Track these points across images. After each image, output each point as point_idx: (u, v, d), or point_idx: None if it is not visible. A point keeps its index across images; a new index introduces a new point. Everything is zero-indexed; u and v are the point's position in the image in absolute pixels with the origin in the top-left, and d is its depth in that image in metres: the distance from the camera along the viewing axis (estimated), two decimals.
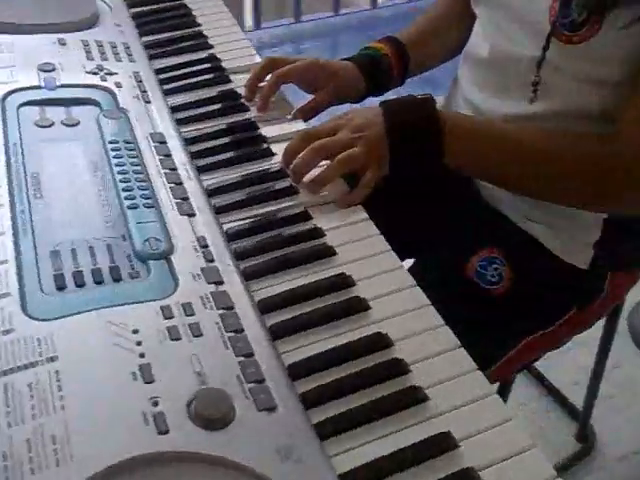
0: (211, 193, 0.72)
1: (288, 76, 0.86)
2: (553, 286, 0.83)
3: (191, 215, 0.68)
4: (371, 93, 0.93)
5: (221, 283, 0.61)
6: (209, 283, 0.60)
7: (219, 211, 0.70)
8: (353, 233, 0.69)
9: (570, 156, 0.74)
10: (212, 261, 0.63)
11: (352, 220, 0.70)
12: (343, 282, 0.63)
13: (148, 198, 0.69)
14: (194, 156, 0.77)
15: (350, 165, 0.73)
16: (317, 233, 0.68)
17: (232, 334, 0.56)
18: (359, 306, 0.61)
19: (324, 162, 0.74)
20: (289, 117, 0.84)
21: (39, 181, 0.70)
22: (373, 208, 0.72)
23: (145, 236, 0.64)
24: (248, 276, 0.63)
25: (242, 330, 0.57)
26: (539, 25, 0.76)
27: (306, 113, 0.86)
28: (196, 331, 0.56)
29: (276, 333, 0.58)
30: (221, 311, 0.58)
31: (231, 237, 0.67)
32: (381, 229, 0.69)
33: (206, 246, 0.64)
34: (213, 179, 0.74)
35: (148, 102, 0.83)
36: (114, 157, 0.73)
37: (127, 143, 0.76)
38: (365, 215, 0.71)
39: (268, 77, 0.86)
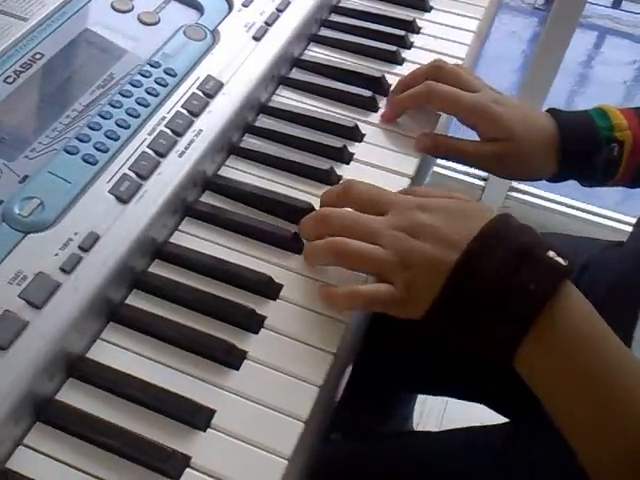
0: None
1: (442, 104, 0.62)
2: None
3: (124, 202, 0.51)
4: (565, 178, 0.64)
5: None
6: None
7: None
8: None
9: None
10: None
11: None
12: None
13: (101, 151, 0.53)
14: (233, 151, 0.58)
15: (360, 265, 0.49)
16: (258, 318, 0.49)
17: None
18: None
19: None
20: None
21: (32, 64, 0.57)
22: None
23: (32, 193, 0.49)
24: None
25: None
26: None
27: (430, 143, 0.60)
28: None
29: None
30: None
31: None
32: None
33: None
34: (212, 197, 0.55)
35: (257, 39, 0.65)
36: (130, 83, 0.57)
37: (168, 74, 0.59)
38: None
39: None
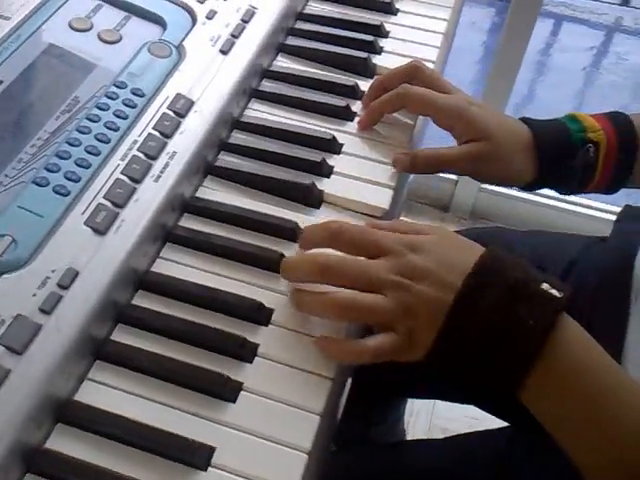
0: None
1: (418, 107, 0.60)
2: None
3: (101, 233, 0.49)
4: (541, 185, 0.63)
5: None
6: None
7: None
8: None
9: None
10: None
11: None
12: None
13: (72, 180, 0.51)
14: (209, 171, 0.56)
15: (365, 319, 0.47)
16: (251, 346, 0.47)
17: None
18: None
19: None
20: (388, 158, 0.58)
21: None
22: None
23: (3, 231, 0.46)
24: None
25: None
26: None
27: (408, 161, 0.58)
28: None
29: None
30: None
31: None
32: None
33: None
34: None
35: (224, 52, 0.63)
36: (97, 106, 0.55)
37: (136, 95, 0.57)
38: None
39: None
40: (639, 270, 0.59)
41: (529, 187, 0.62)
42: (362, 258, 0.47)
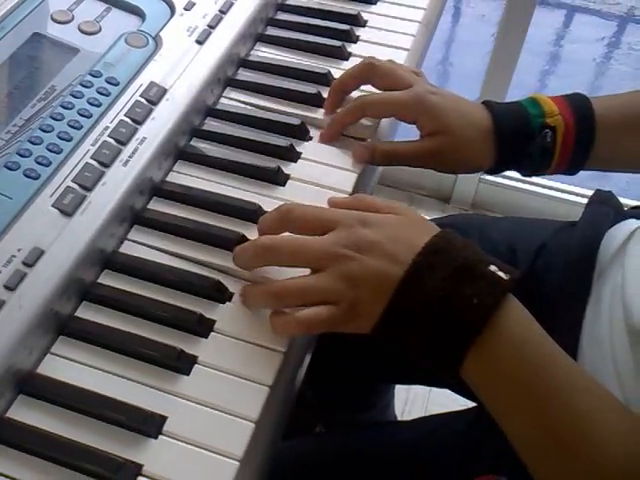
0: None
1: (378, 111, 0.61)
2: None
3: (68, 215, 0.51)
4: (503, 168, 0.63)
5: None
6: None
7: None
8: None
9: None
10: None
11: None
12: None
13: (42, 165, 0.53)
14: (180, 156, 0.58)
15: (306, 301, 0.47)
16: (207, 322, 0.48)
17: None
18: None
19: None
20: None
21: None
22: None
23: None
24: None
25: None
26: None
27: (368, 153, 0.59)
28: None
29: None
30: None
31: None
32: None
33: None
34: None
35: (200, 43, 0.65)
36: (72, 94, 0.57)
37: (110, 83, 0.59)
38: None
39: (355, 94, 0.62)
40: (603, 252, 0.60)
41: (491, 171, 0.63)
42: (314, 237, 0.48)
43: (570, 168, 0.62)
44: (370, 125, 0.62)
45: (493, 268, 0.45)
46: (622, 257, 0.57)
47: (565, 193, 1.47)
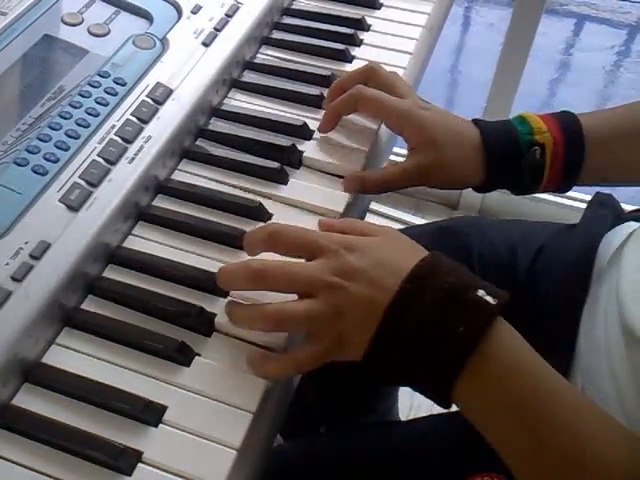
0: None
1: (369, 108, 0.61)
2: None
3: (74, 210, 0.52)
4: (492, 187, 0.62)
5: None
6: None
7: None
8: None
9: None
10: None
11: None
12: None
13: (51, 161, 0.54)
14: (185, 155, 0.59)
15: (297, 328, 0.47)
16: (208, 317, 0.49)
17: None
18: None
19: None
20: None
21: None
22: None
23: None
24: None
25: None
26: None
27: (357, 185, 0.58)
28: None
29: None
30: None
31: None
32: None
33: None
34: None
35: (206, 45, 0.66)
36: (80, 94, 0.59)
37: (117, 84, 0.61)
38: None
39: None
40: (602, 254, 0.61)
41: (481, 189, 0.62)
42: (302, 260, 0.48)
43: (562, 185, 0.61)
44: (369, 132, 0.63)
45: (481, 293, 0.44)
46: (619, 258, 0.57)
47: (573, 200, 1.48)
